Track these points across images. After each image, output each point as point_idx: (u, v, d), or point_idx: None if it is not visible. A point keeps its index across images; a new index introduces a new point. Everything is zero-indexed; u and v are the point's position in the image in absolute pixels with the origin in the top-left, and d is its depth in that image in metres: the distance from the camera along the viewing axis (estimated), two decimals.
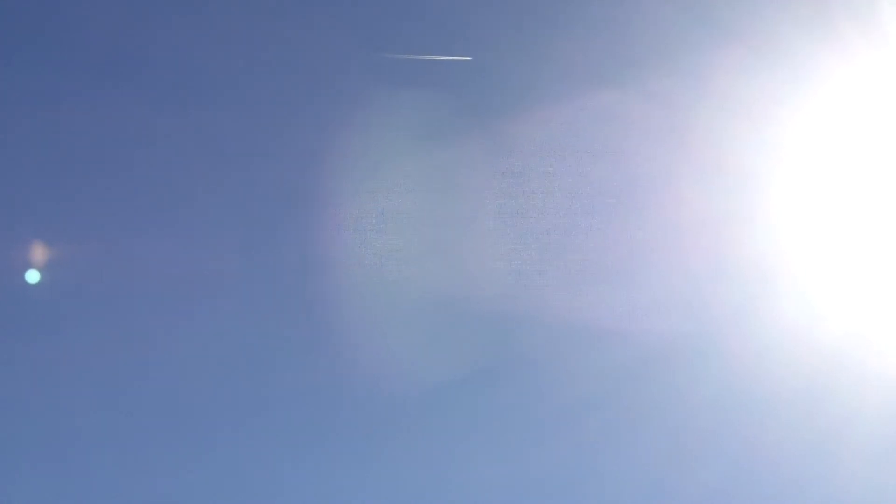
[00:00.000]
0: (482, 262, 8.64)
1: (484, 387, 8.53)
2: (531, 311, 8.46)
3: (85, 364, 8.44)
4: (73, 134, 8.61)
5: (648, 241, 8.56)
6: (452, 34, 8.78)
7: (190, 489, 8.17)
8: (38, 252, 8.38)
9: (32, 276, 8.38)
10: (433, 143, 8.62)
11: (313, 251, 8.63)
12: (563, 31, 8.59)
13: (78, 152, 8.69)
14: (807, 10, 8.10)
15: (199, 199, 8.77)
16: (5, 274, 8.44)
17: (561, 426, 8.40)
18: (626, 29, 8.47)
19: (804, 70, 8.19)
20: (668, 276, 8.53)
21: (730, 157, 8.37)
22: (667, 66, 8.34)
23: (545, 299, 8.51)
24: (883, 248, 8.42)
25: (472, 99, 8.80)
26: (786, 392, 8.28)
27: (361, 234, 8.62)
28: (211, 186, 8.72)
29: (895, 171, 8.29)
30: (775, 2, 8.23)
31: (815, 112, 8.29)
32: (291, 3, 8.72)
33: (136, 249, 8.59)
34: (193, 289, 8.52)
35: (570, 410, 8.41)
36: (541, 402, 8.48)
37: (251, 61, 8.69)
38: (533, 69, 8.58)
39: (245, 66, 8.71)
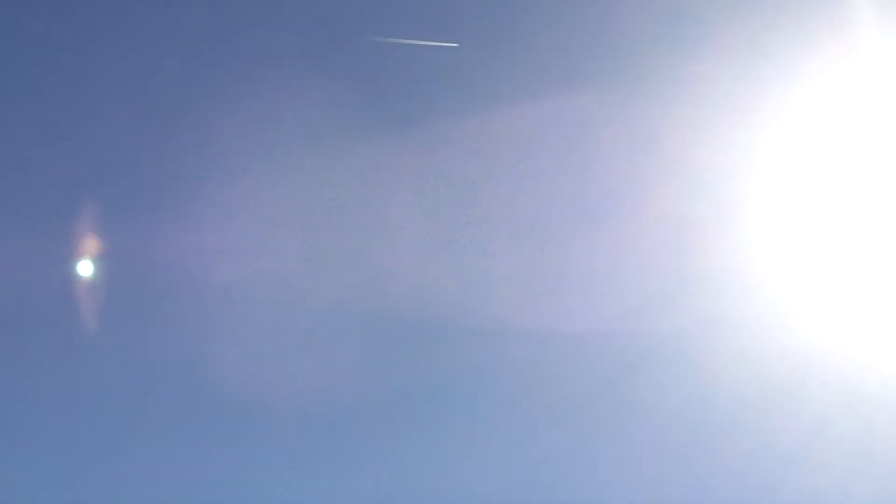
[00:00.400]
0: (453, 265, 8.66)
1: (437, 401, 8.62)
2: (504, 318, 8.47)
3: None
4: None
5: (622, 245, 8.50)
6: (438, 20, 8.67)
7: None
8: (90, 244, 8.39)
9: (85, 268, 8.40)
10: (399, 137, 8.58)
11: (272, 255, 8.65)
12: (545, 30, 8.49)
13: None
14: (782, 16, 7.99)
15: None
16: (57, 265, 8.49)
17: (534, 434, 8.46)
18: (608, 30, 8.37)
19: (780, 75, 8.08)
20: (642, 280, 8.49)
21: (706, 162, 8.28)
22: (644, 70, 8.23)
23: (520, 305, 8.52)
24: (860, 255, 8.31)
25: (448, 93, 8.72)
26: (761, 398, 8.26)
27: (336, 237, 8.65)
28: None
29: (872, 177, 8.18)
30: (753, 9, 8.08)
31: (791, 117, 8.19)
32: None
33: None
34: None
35: (541, 419, 8.48)
36: (505, 414, 8.55)
37: (225, 39, 8.65)
38: (511, 68, 8.49)
39: (218, 45, 8.67)
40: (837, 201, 8.28)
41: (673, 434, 8.33)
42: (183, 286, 8.48)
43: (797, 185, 8.30)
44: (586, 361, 8.37)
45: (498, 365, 8.54)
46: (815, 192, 8.29)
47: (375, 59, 8.74)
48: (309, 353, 8.45)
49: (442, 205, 8.66)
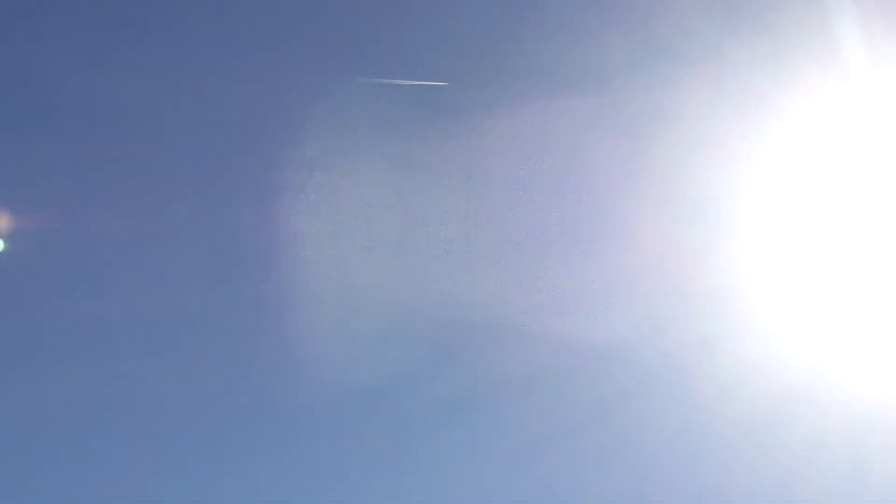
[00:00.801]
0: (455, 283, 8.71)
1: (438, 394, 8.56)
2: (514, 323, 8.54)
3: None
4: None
5: (611, 271, 8.60)
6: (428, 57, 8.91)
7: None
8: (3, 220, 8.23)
9: None
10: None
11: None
12: (531, 71, 8.73)
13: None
14: (768, 45, 8.21)
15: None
16: None
17: (536, 439, 8.46)
18: (593, 70, 8.55)
19: (769, 102, 8.28)
20: (630, 306, 8.58)
21: (693, 188, 8.46)
22: (629, 98, 8.46)
23: (526, 312, 8.60)
24: (846, 283, 8.48)
25: (445, 123, 8.91)
26: (748, 426, 8.29)
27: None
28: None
29: (858, 205, 8.36)
30: (750, 17, 8.30)
31: (780, 144, 8.37)
32: (268, 23, 8.86)
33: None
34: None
35: (529, 441, 8.45)
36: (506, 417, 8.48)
37: (229, 74, 8.80)
38: (499, 105, 8.71)
39: (223, 81, 8.82)
40: (828, 232, 8.47)
41: (671, 452, 8.36)
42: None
43: (801, 194, 8.44)
44: (579, 371, 8.39)
45: (503, 369, 8.56)
46: (806, 222, 8.49)
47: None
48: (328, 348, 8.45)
49: (434, 227, 8.84)
